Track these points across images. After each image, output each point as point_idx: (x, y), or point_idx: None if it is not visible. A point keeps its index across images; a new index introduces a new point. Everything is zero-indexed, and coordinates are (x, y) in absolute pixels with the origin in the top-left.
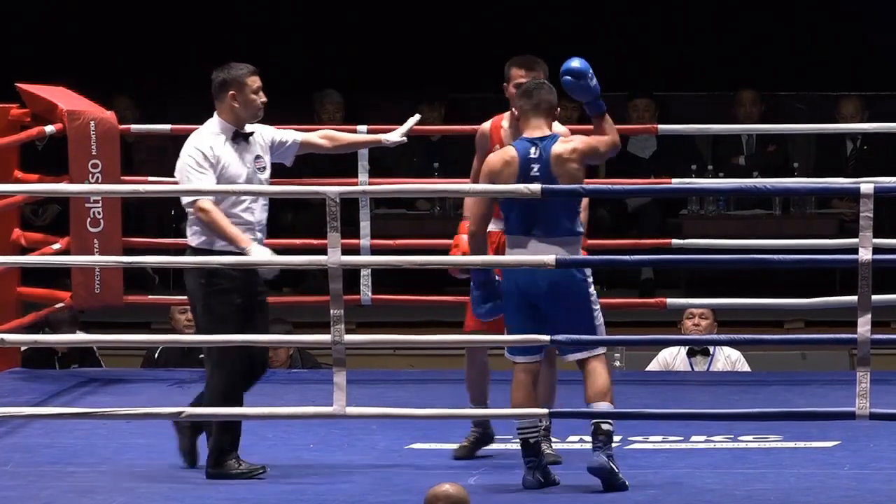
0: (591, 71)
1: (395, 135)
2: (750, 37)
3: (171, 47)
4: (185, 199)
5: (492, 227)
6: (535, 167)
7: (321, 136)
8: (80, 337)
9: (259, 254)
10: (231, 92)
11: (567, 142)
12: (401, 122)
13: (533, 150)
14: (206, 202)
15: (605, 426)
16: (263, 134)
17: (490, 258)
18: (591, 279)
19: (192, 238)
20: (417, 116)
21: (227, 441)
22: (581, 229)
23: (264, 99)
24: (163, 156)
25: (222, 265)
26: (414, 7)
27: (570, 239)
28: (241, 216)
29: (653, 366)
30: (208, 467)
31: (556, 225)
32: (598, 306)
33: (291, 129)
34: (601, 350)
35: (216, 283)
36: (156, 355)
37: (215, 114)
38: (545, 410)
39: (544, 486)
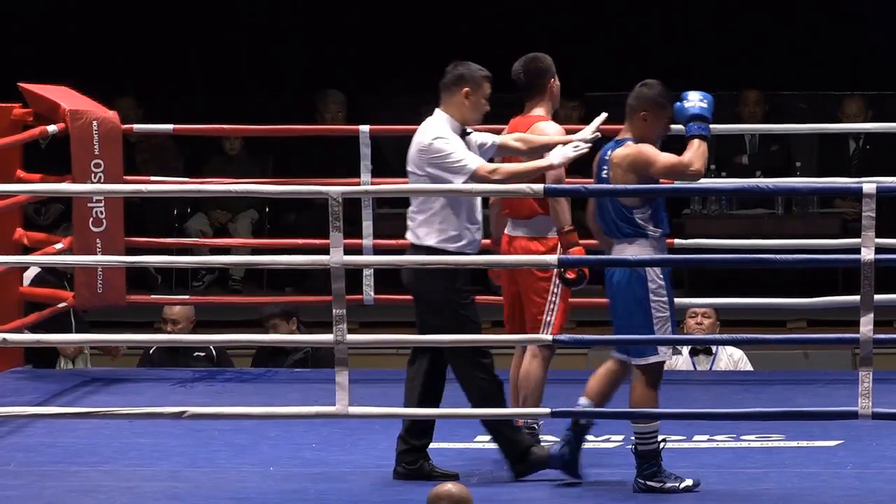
0: (709, 112)
1: (587, 132)
2: (752, 37)
3: (173, 47)
4: (459, 179)
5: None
6: (605, 168)
7: (515, 139)
8: (81, 337)
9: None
10: (466, 89)
11: (626, 148)
12: (403, 122)
13: (608, 152)
14: (484, 165)
15: (639, 447)
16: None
17: (489, 258)
18: (654, 283)
19: (429, 236)
20: (604, 115)
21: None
22: (649, 230)
23: (488, 108)
24: (165, 155)
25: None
26: (415, 7)
27: (630, 239)
28: (475, 216)
29: None
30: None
31: (612, 226)
32: (662, 313)
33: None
34: (644, 360)
35: (460, 285)
36: (150, 351)
37: (440, 109)
38: (546, 410)
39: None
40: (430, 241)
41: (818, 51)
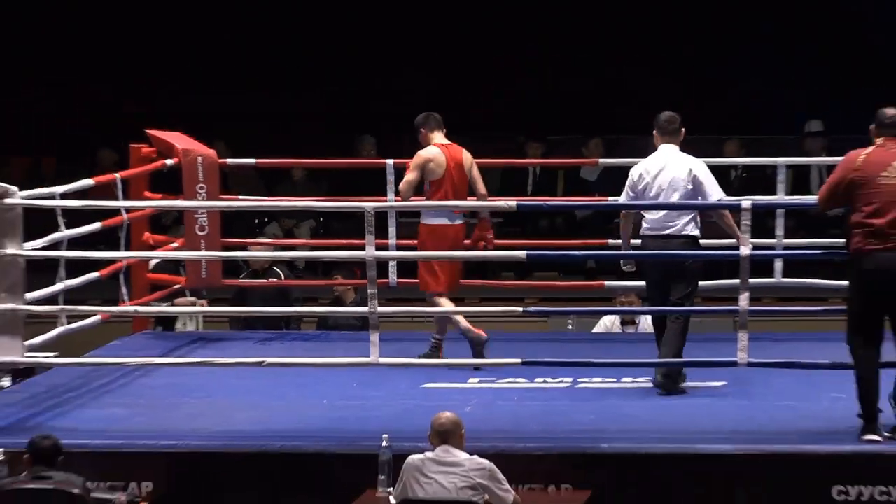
0: None
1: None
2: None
3: (243, 99)
4: (717, 195)
5: (444, 221)
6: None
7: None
8: (184, 309)
9: None
10: (683, 130)
11: None
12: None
13: None
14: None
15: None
16: None
17: (457, 253)
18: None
19: (693, 229)
20: None
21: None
22: (687, 229)
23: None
24: (249, 180)
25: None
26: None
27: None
28: None
29: (598, 328)
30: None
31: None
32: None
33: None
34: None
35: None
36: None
37: (677, 145)
38: (518, 360)
39: None
40: (694, 231)
41: (704, 105)
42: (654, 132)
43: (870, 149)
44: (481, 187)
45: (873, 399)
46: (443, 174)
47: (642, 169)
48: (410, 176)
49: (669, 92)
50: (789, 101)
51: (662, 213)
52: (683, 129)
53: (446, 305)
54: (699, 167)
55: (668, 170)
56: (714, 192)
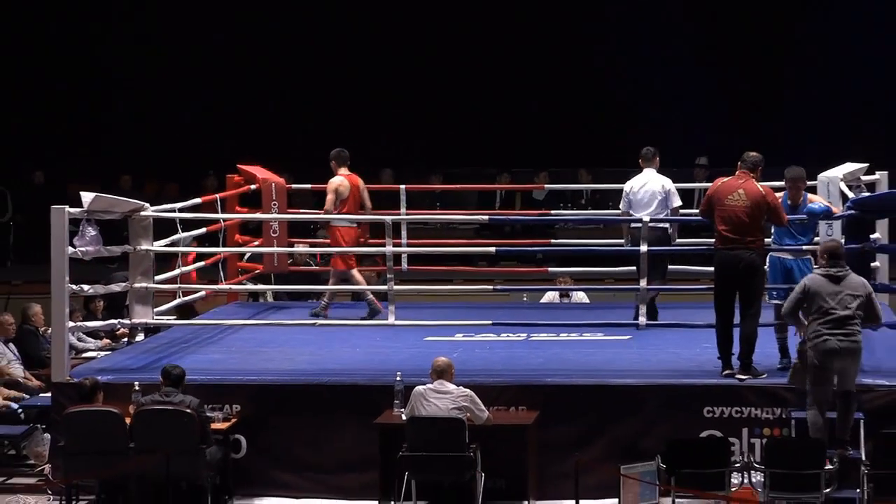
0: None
1: None
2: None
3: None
4: (677, 203)
5: (351, 225)
6: None
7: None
8: (263, 287)
9: None
10: (657, 158)
11: None
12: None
13: None
14: None
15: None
16: None
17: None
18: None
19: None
20: None
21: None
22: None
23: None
24: (306, 199)
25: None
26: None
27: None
28: None
29: (544, 300)
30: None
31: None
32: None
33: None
34: None
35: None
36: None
37: (654, 168)
38: (489, 322)
39: None
40: (663, 225)
41: (617, 142)
42: (640, 160)
43: (728, 178)
44: (368, 203)
45: (728, 348)
46: (348, 195)
47: (633, 184)
48: (331, 196)
49: (599, 137)
50: (685, 141)
51: (647, 210)
52: (658, 158)
53: (359, 277)
54: (668, 183)
55: (649, 185)
56: (675, 202)
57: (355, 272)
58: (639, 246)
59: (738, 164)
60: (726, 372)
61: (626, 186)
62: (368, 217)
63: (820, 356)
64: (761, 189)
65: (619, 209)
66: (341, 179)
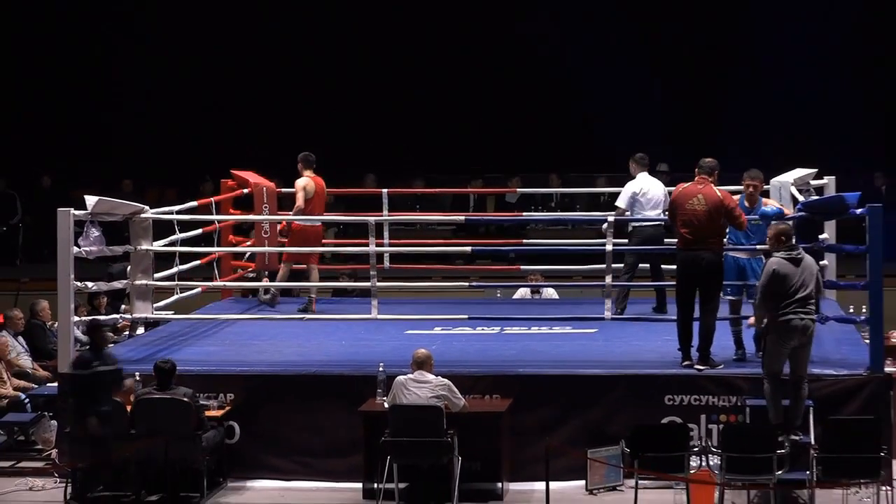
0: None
1: None
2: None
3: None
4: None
5: (312, 223)
6: None
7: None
8: (254, 284)
9: None
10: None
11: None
12: (402, 186)
13: None
14: None
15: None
16: None
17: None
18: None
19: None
20: None
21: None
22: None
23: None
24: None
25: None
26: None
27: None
28: None
29: (516, 296)
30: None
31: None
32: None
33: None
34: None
35: None
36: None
37: (647, 172)
38: (465, 315)
39: None
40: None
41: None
42: (633, 165)
43: (688, 183)
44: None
45: (688, 341)
46: (313, 195)
47: (641, 186)
48: (301, 194)
49: (567, 145)
50: (646, 147)
51: (657, 210)
52: (647, 163)
53: (286, 271)
54: (664, 186)
55: (655, 187)
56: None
57: (314, 268)
58: (647, 245)
59: (696, 170)
60: (686, 363)
61: (635, 187)
62: (353, 218)
63: (783, 332)
64: (719, 193)
65: (586, 211)
66: (307, 180)
